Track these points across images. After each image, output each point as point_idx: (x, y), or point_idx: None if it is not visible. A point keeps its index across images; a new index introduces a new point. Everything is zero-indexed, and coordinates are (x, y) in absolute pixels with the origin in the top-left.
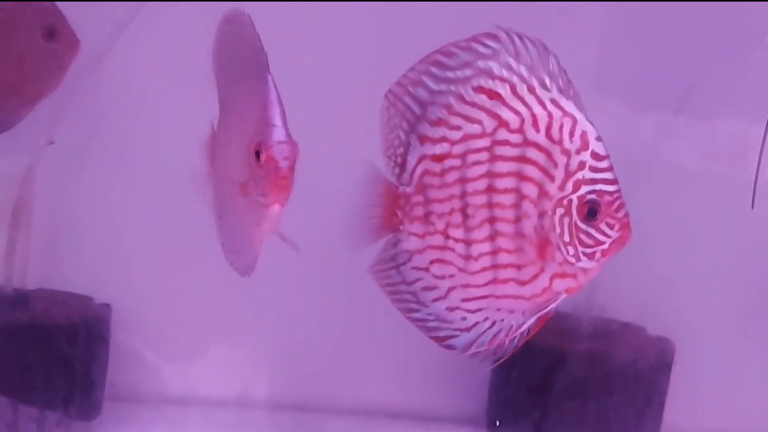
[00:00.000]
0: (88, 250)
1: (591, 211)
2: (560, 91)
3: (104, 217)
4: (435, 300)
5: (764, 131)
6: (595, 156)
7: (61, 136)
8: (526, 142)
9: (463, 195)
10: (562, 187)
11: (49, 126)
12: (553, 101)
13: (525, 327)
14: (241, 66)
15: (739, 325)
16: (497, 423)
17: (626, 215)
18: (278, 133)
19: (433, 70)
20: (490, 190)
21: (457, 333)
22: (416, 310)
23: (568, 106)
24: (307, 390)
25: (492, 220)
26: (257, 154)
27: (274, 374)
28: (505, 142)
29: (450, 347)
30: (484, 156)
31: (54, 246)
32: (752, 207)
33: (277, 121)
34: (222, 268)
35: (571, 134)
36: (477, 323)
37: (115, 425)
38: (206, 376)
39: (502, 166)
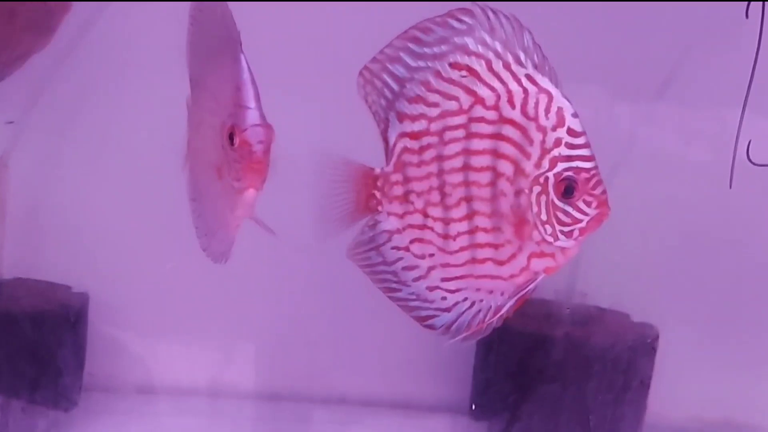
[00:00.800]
0: (65, 239)
1: (568, 189)
2: (535, 66)
3: (81, 205)
4: (416, 279)
5: (741, 114)
6: (572, 132)
7: (36, 122)
8: (502, 119)
9: (441, 173)
10: (538, 165)
11: (22, 113)
12: (528, 77)
13: (505, 308)
14: (214, 45)
15: (722, 310)
16: (473, 406)
17: (603, 192)
18: (252, 116)
19: (411, 45)
20: (467, 168)
21: (438, 313)
22: (398, 290)
23: (544, 82)
24: (289, 379)
25: (469, 199)
26: (231, 137)
27: (256, 363)
28: (481, 119)
29: (430, 327)
30: (460, 133)
31: (30, 235)
32: (730, 186)
33: (251, 103)
34: (201, 256)
35: (547, 111)
36: (457, 303)
37: (92, 415)
38: (185, 366)
39: (478, 144)
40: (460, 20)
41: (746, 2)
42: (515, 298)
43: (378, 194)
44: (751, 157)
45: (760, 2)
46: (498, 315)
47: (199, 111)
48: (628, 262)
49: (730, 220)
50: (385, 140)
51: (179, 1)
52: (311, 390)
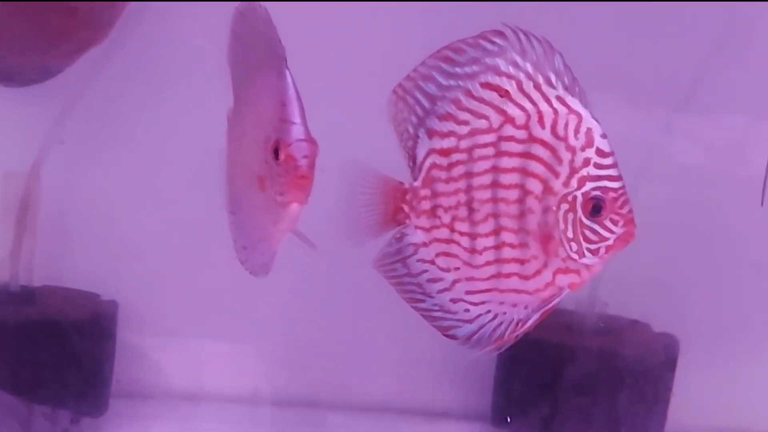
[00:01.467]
0: (95, 247)
1: (596, 208)
2: (566, 88)
3: (111, 213)
4: (440, 291)
5: None
6: (600, 153)
7: (68, 133)
8: (532, 139)
9: (469, 189)
10: (566, 184)
11: (54, 124)
12: (559, 98)
13: (530, 322)
14: (257, 60)
15: (745, 322)
16: (508, 419)
17: (630, 211)
18: (297, 131)
19: (443, 65)
20: (495, 185)
21: (460, 324)
22: (421, 301)
23: (574, 103)
24: (312, 386)
25: (496, 215)
26: (275, 152)
27: (280, 370)
28: (511, 138)
29: (452, 337)
30: (490, 151)
31: (61, 243)
32: (762, 204)
33: (296, 118)
34: (228, 265)
35: (576, 131)
36: (480, 315)
37: (121, 421)
38: (212, 373)
39: (507, 162)
40: (492, 41)
41: None
42: (540, 312)
43: (406, 208)
44: None
45: None
46: (524, 329)
47: (241, 124)
48: (649, 272)
49: (752, 230)
50: (413, 156)
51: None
52: (336, 396)
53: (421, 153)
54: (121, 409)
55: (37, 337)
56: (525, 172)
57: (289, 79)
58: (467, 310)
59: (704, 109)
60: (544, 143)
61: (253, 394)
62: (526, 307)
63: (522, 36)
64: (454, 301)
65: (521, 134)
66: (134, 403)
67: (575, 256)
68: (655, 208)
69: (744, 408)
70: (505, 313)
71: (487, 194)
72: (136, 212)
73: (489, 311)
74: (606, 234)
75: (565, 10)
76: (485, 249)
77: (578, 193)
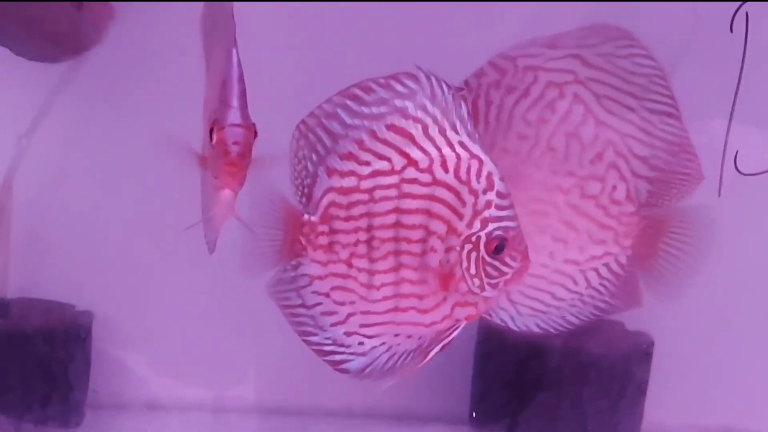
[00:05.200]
0: (70, 258)
1: (498, 247)
2: (468, 135)
3: (85, 224)
4: (333, 324)
5: (728, 126)
6: (500, 195)
7: (39, 142)
8: (435, 182)
9: (370, 228)
10: (470, 225)
11: (26, 134)
12: (462, 143)
13: (431, 354)
14: (217, 35)
15: (722, 319)
16: (473, 414)
17: (526, 247)
18: (233, 115)
19: (349, 103)
20: (398, 225)
21: (353, 357)
22: (314, 334)
23: (475, 148)
24: (292, 393)
25: (397, 253)
26: (211, 132)
27: (259, 378)
28: (414, 181)
29: (344, 371)
30: (392, 192)
31: (34, 254)
32: (719, 195)
33: (234, 101)
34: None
35: (478, 175)
36: (374, 348)
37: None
38: (189, 382)
39: (410, 203)
40: (403, 84)
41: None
42: (441, 344)
43: (303, 240)
44: (738, 167)
45: (744, 16)
46: (426, 360)
47: (203, 97)
48: None
49: (721, 227)
50: (309, 194)
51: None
52: (313, 403)
53: (318, 191)
54: (98, 420)
55: (14, 348)
56: (429, 214)
57: (235, 59)
58: (361, 343)
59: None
60: (447, 186)
61: (233, 402)
62: (420, 338)
63: (434, 81)
64: (348, 334)
65: (425, 177)
66: (111, 414)
67: (476, 290)
68: None
69: (724, 406)
70: (399, 345)
71: (388, 233)
72: (111, 222)
73: (383, 343)
74: (505, 269)
75: (545, 18)
76: (383, 285)
77: (482, 234)
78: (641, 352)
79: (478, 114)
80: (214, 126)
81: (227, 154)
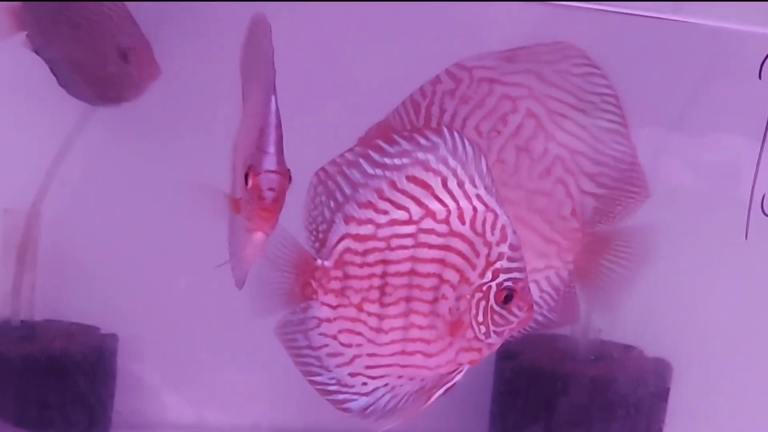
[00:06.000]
0: (96, 281)
1: (507, 297)
2: (486, 188)
3: (110, 247)
4: (339, 365)
5: (760, 150)
6: (512, 247)
7: (67, 170)
8: (452, 233)
9: (384, 275)
10: (482, 275)
11: (54, 162)
12: (478, 196)
13: (434, 398)
14: (255, 76)
15: (739, 347)
16: None
17: (531, 297)
18: (269, 161)
19: (372, 154)
20: (412, 273)
21: (356, 397)
22: (318, 374)
23: (491, 201)
24: (313, 415)
25: (409, 299)
26: (246, 177)
27: (281, 401)
28: (431, 231)
29: (346, 410)
30: (408, 242)
31: (60, 277)
32: (746, 237)
33: (271, 148)
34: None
35: (493, 228)
36: (377, 388)
37: None
38: (213, 405)
39: (426, 253)
40: (427, 137)
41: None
42: (444, 388)
43: (314, 284)
44: (765, 210)
45: None
46: (428, 402)
47: (238, 141)
48: (641, 296)
49: (745, 254)
50: (323, 239)
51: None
52: (331, 424)
53: (334, 237)
54: None
55: (37, 372)
56: (443, 263)
57: (273, 107)
58: (365, 384)
59: (697, 130)
60: (463, 237)
61: (254, 426)
62: (422, 380)
63: (456, 136)
64: (352, 375)
65: (442, 228)
66: None
67: (482, 337)
68: None
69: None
70: (401, 386)
71: (402, 281)
72: (136, 246)
73: (386, 384)
74: (512, 318)
75: (560, 30)
76: (392, 329)
77: (493, 284)
78: (665, 385)
79: (430, 121)
80: (250, 171)
81: (262, 200)
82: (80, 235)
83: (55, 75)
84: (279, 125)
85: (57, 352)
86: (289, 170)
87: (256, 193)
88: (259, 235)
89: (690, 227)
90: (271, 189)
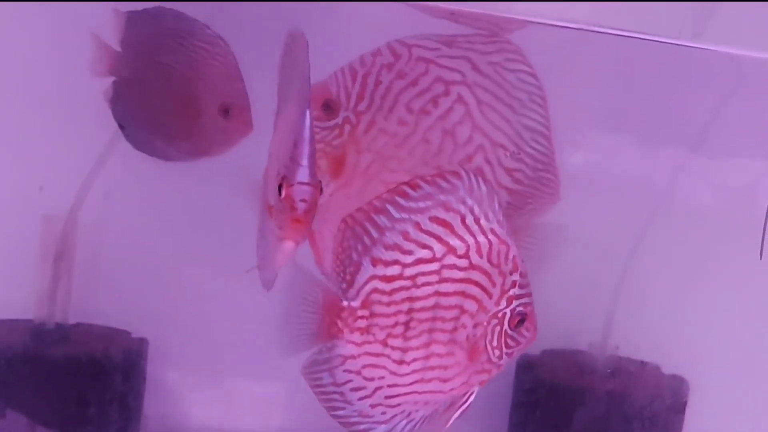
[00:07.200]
0: (127, 287)
1: (520, 321)
2: (498, 222)
3: (141, 252)
4: (361, 399)
5: None
6: (522, 275)
7: (104, 179)
8: (471, 266)
9: (410, 311)
10: (498, 303)
11: (92, 171)
12: (492, 230)
13: (452, 420)
14: (291, 90)
15: (757, 364)
16: None
17: (536, 319)
18: (302, 173)
19: (398, 199)
20: (437, 306)
21: (375, 426)
22: (341, 408)
23: (503, 234)
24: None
25: (431, 331)
26: (280, 187)
27: (309, 408)
28: (453, 266)
29: None
30: (433, 278)
31: (94, 282)
32: (761, 257)
33: (304, 160)
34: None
35: (506, 258)
36: (395, 416)
37: None
38: (243, 410)
39: (449, 287)
40: (447, 180)
41: None
42: (461, 410)
43: (340, 324)
44: None
45: None
46: (446, 427)
47: (272, 150)
48: (659, 314)
49: (761, 273)
50: (351, 281)
51: None
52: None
53: (362, 278)
54: None
55: (70, 374)
56: (464, 295)
57: (308, 121)
58: (384, 413)
59: (716, 151)
60: (481, 270)
61: (285, 430)
62: (436, 404)
63: (473, 177)
64: (372, 406)
65: (462, 262)
66: None
67: (495, 360)
68: (667, 249)
69: None
70: (417, 411)
71: (427, 315)
72: (166, 251)
73: (403, 411)
74: (521, 339)
75: (579, 52)
76: (414, 360)
77: (507, 310)
78: (681, 402)
79: (366, 89)
80: (284, 182)
81: (294, 210)
82: (114, 240)
83: (122, 128)
84: (312, 139)
85: (88, 355)
86: (320, 182)
87: (288, 203)
88: (289, 244)
89: (708, 246)
90: (303, 200)
